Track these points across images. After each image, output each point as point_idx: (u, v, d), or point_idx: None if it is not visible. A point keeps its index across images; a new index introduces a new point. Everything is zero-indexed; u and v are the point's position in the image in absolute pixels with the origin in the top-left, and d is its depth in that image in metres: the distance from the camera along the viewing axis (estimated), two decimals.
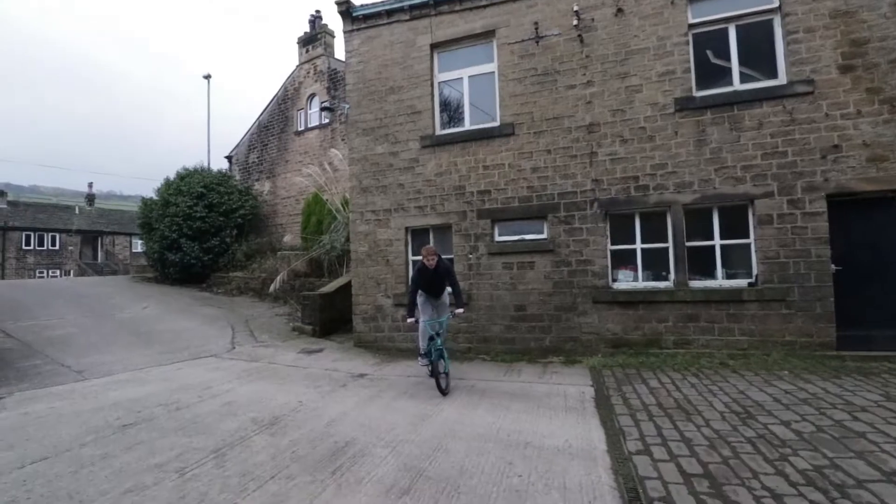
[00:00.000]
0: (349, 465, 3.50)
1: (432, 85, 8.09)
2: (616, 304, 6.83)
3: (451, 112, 8.29)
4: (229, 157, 20.01)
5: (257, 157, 18.99)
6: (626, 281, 6.94)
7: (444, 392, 5.27)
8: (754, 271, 6.36)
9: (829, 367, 5.48)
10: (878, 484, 2.92)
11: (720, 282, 6.51)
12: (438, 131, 8.05)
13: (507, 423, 4.31)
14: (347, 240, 9.33)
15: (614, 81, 7.02)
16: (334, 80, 16.54)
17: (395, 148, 8.17)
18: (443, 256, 7.15)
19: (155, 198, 16.54)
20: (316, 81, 17.30)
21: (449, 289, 5.83)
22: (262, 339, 8.91)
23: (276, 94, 18.65)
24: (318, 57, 17.34)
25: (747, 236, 6.44)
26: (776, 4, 6.45)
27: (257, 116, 19.20)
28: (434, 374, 5.43)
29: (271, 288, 11.92)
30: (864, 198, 6.03)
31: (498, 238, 7.57)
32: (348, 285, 8.75)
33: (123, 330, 9.36)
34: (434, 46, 8.07)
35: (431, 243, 8.02)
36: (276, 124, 18.48)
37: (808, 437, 3.64)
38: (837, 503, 2.75)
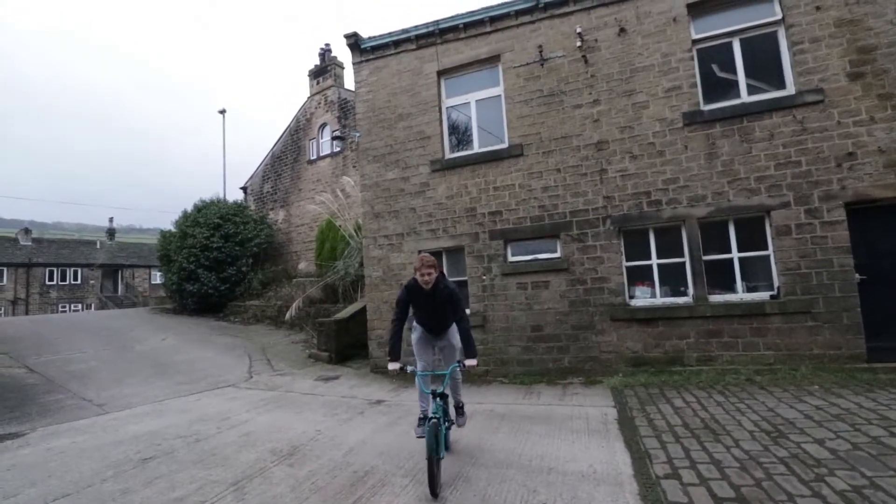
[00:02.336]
0: (369, 496, 3.44)
1: (440, 110, 8.24)
2: (635, 322, 6.70)
3: (460, 135, 8.41)
4: (244, 188, 20.48)
5: (271, 187, 19.40)
6: (644, 297, 6.83)
7: (434, 493, 3.27)
8: (776, 283, 6.22)
9: (860, 381, 5.27)
10: None
11: (741, 295, 6.37)
12: (448, 155, 8.16)
13: (529, 447, 4.21)
14: (361, 265, 9.40)
15: (621, 99, 7.07)
16: (345, 109, 16.96)
17: (406, 173, 8.29)
18: (447, 276, 6.53)
19: (173, 230, 16.93)
20: (327, 111, 17.75)
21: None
22: (279, 368, 8.92)
23: (289, 125, 19.16)
24: (328, 88, 17.84)
25: (766, 248, 6.32)
26: (779, 16, 6.49)
27: (271, 148, 19.71)
28: (428, 453, 3.29)
29: (287, 315, 11.99)
30: (885, 204, 5.90)
31: (511, 258, 7.55)
32: (363, 310, 8.76)
33: (143, 362, 9.47)
34: (441, 73, 8.25)
35: (445, 266, 8.04)
36: (289, 154, 18.92)
37: (845, 456, 3.48)
38: None
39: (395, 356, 3.82)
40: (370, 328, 8.26)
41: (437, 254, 8.08)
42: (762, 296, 6.26)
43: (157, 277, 34.08)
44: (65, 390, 7.41)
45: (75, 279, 34.91)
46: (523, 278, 7.36)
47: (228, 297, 15.73)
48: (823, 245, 5.99)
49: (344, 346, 9.21)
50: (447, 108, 8.33)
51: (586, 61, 7.27)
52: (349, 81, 18.09)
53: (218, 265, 15.52)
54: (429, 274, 3.80)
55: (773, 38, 6.58)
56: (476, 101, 8.12)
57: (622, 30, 7.13)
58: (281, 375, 8.32)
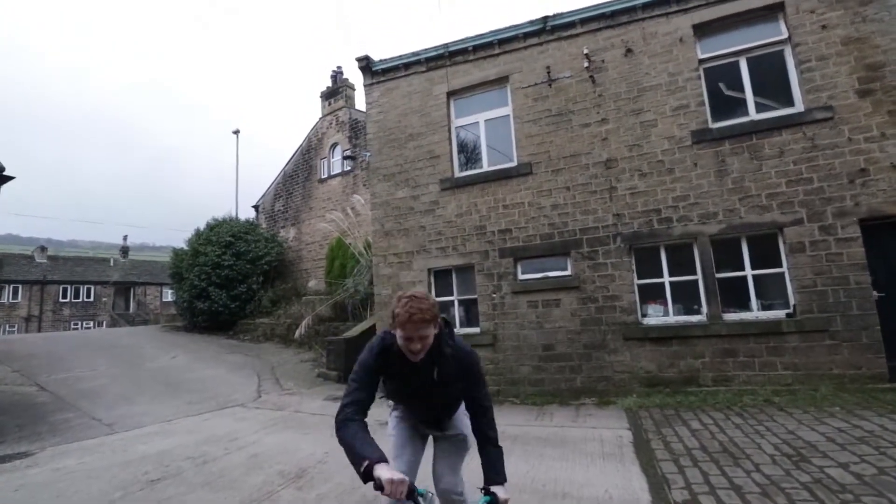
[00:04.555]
0: None
1: (450, 130, 8.34)
2: (648, 341, 6.60)
3: (469, 154, 8.49)
4: (256, 207, 20.75)
5: (283, 206, 19.65)
6: (657, 316, 6.74)
7: None
8: (791, 301, 6.11)
9: (883, 402, 5.11)
10: None
11: (756, 313, 6.26)
12: (457, 174, 8.23)
13: (542, 471, 4.12)
14: (371, 283, 9.42)
15: (629, 118, 7.11)
16: (355, 129, 17.25)
17: (416, 192, 8.35)
18: (458, 306, 6.54)
19: (185, 248, 17.13)
20: (338, 132, 18.06)
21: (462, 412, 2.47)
22: (288, 387, 8.88)
23: (301, 144, 19.49)
24: (339, 109, 18.18)
25: (780, 265, 6.23)
26: (786, 36, 6.53)
27: (282, 167, 20.03)
28: None
29: (296, 333, 11.99)
30: None
31: (521, 276, 7.52)
32: (372, 328, 8.74)
33: (152, 380, 9.49)
34: (450, 94, 8.39)
35: (455, 284, 8.03)
36: (300, 173, 19.21)
37: (871, 481, 3.35)
38: None
39: (356, 456, 1.82)
40: None
41: (447, 272, 8.09)
42: (778, 314, 6.15)
43: (168, 295, 34.42)
44: (75, 409, 7.42)
45: (88, 296, 35.36)
46: (534, 296, 7.31)
47: (238, 314, 15.79)
48: (839, 262, 5.90)
49: (353, 364, 9.15)
50: (456, 127, 8.43)
51: (594, 81, 7.35)
52: (360, 102, 18.42)
53: (229, 283, 15.64)
54: (421, 339, 2.02)
55: (779, 56, 6.62)
56: (485, 120, 8.22)
57: (629, 50, 7.22)
58: (290, 395, 8.27)
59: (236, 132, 23.29)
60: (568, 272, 7.19)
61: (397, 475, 1.67)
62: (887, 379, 5.55)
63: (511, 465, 4.33)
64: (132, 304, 37.76)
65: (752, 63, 6.74)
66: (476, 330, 7.65)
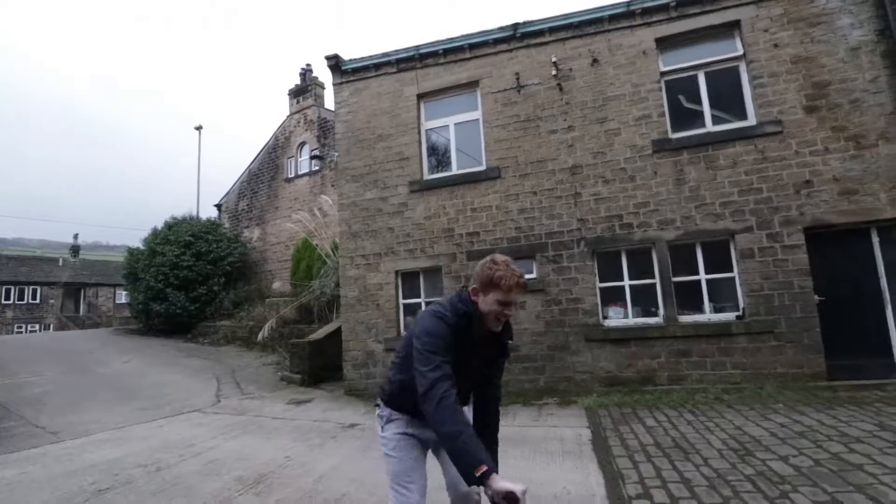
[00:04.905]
0: None
1: (419, 132, 8.36)
2: (608, 342, 6.81)
3: (439, 157, 8.53)
4: (219, 206, 20.12)
5: (247, 205, 19.13)
6: (617, 318, 6.96)
7: None
8: (741, 304, 6.44)
9: (821, 398, 5.46)
10: None
11: (709, 316, 6.56)
12: (426, 176, 8.25)
13: (505, 470, 4.13)
14: (337, 285, 9.29)
15: (594, 126, 7.33)
16: (324, 128, 17.00)
17: (385, 193, 8.32)
18: (425, 297, 6.34)
19: (141, 247, 16.43)
20: (306, 130, 17.76)
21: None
22: (249, 391, 8.64)
23: (267, 143, 19.05)
24: (308, 107, 17.89)
25: (731, 270, 6.57)
26: (741, 52, 6.89)
27: (248, 165, 19.51)
28: None
29: (259, 336, 11.69)
30: (840, 230, 6.23)
31: None
32: (338, 331, 8.63)
33: (103, 386, 9.03)
34: (421, 96, 8.40)
35: (422, 286, 8.04)
36: (266, 172, 18.76)
37: (807, 472, 3.57)
38: None
39: (483, 455, 1.57)
40: (345, 349, 8.13)
41: (414, 274, 8.08)
42: (728, 316, 6.47)
43: (122, 297, 32.76)
44: (17, 417, 6.98)
45: (34, 298, 33.25)
46: None
47: (198, 317, 15.24)
48: (784, 268, 6.26)
49: (318, 367, 9.01)
50: (426, 129, 8.45)
51: (561, 89, 7.53)
52: (329, 101, 18.18)
53: (188, 284, 15.08)
54: (515, 306, 1.95)
55: (735, 72, 6.98)
56: (455, 123, 8.28)
57: (595, 60, 7.44)
58: (251, 399, 8.05)
59: (199, 128, 22.54)
60: (533, 275, 7.32)
61: (519, 486, 1.47)
62: (825, 377, 5.93)
63: None
64: (82, 307, 35.76)
65: (709, 77, 7.08)
66: None
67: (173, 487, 4.18)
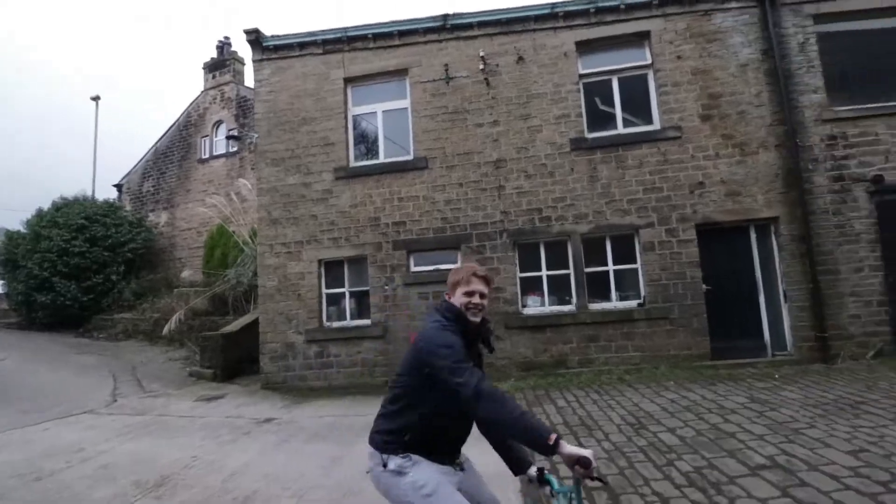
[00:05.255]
0: None
1: (346, 118, 8.12)
2: (526, 329, 7.14)
3: (367, 144, 8.36)
4: (119, 186, 18.13)
5: (153, 186, 17.44)
6: (535, 306, 7.32)
7: None
8: (642, 293, 7.07)
9: (706, 376, 6.17)
10: (746, 478, 3.31)
11: (615, 304, 7.13)
12: (353, 163, 8.05)
13: None
14: (255, 274, 8.80)
15: (518, 122, 7.58)
16: (243, 107, 15.91)
17: (308, 179, 7.99)
18: (349, 285, 6.43)
19: (23, 231, 14.39)
20: (223, 108, 16.51)
21: None
22: (152, 389, 7.96)
23: (178, 119, 17.44)
24: (226, 84, 16.61)
25: (635, 262, 7.17)
26: (649, 61, 7.47)
27: (155, 143, 17.77)
28: None
29: (165, 329, 10.76)
30: (725, 227, 7.04)
31: (414, 268, 7.63)
32: (255, 323, 8.20)
33: None
34: (348, 80, 8.15)
35: (346, 276, 7.88)
36: (176, 151, 17.20)
37: (690, 442, 4.04)
38: (714, 499, 3.06)
39: (548, 426, 1.68)
40: (263, 342, 7.75)
41: (339, 263, 7.89)
42: (631, 304, 7.07)
43: None
44: None
45: None
46: (425, 288, 7.47)
47: (93, 309, 13.68)
48: (679, 260, 6.96)
49: (232, 361, 8.51)
50: (353, 115, 8.23)
51: (488, 84, 7.68)
52: (249, 78, 17.03)
53: (80, 273, 13.45)
54: (482, 297, 1.96)
55: (644, 79, 7.56)
56: (383, 111, 8.15)
57: (521, 58, 7.67)
58: (154, 397, 7.43)
59: (96, 98, 20.08)
60: (458, 265, 7.44)
61: (588, 451, 1.57)
62: (709, 357, 6.71)
63: None
64: None
65: (622, 82, 7.60)
66: (367, 322, 7.60)
67: (57, 496, 3.77)
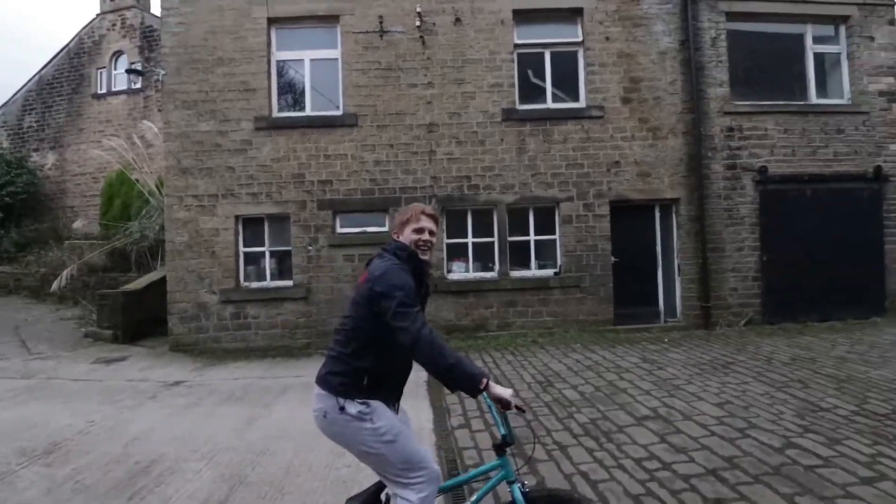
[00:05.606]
0: (153, 486, 3.10)
1: (269, 62, 7.50)
2: (450, 294, 7.35)
3: (293, 95, 7.85)
4: None
5: (37, 122, 15.06)
6: (459, 272, 7.53)
7: None
8: (559, 262, 7.54)
9: (608, 339, 6.82)
10: (632, 428, 3.77)
11: (534, 272, 7.55)
12: (276, 113, 7.52)
13: None
14: (163, 228, 8.07)
15: (452, 86, 7.48)
16: (149, 39, 14.04)
17: (224, 127, 7.36)
18: (270, 245, 6.34)
19: None
20: (124, 37, 14.46)
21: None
22: (39, 350, 7.19)
23: (68, 44, 15.01)
24: (127, 8, 14.48)
25: (554, 233, 7.58)
26: (580, 39, 7.66)
27: (38, 70, 15.23)
28: None
29: (55, 285, 9.62)
30: (635, 205, 7.63)
31: (339, 230, 7.45)
32: (162, 281, 7.60)
33: None
34: (272, 21, 7.47)
35: (267, 234, 7.51)
36: (65, 83, 14.88)
37: (589, 397, 4.49)
38: (604, 446, 3.46)
39: (479, 370, 1.76)
40: (171, 301, 7.23)
41: (258, 220, 7.48)
42: (548, 273, 7.53)
43: None
44: None
45: None
46: (351, 250, 7.35)
47: None
48: (593, 233, 7.47)
49: (135, 322, 7.87)
50: (278, 61, 7.63)
51: (424, 43, 7.45)
52: (156, 5, 14.99)
53: None
54: (431, 234, 2.00)
55: (574, 56, 7.76)
56: (311, 59, 7.64)
57: (458, 20, 7.50)
58: (42, 360, 6.73)
59: None
60: (385, 228, 7.39)
61: (508, 391, 1.75)
62: (612, 323, 7.39)
63: (311, 412, 4.42)
64: None
65: (554, 57, 7.75)
66: (289, 283, 7.37)
67: None
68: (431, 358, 1.70)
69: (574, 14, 7.69)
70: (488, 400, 1.86)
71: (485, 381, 1.69)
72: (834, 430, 3.52)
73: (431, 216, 2.01)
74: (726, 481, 2.87)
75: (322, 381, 1.90)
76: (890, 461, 3.00)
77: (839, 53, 8.06)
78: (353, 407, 1.80)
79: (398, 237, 2.00)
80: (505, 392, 1.73)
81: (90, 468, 3.38)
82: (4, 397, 5.05)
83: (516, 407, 1.74)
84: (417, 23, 7.37)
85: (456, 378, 1.71)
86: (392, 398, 1.96)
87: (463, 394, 4.69)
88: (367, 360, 1.83)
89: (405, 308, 1.72)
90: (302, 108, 7.67)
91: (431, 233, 1.99)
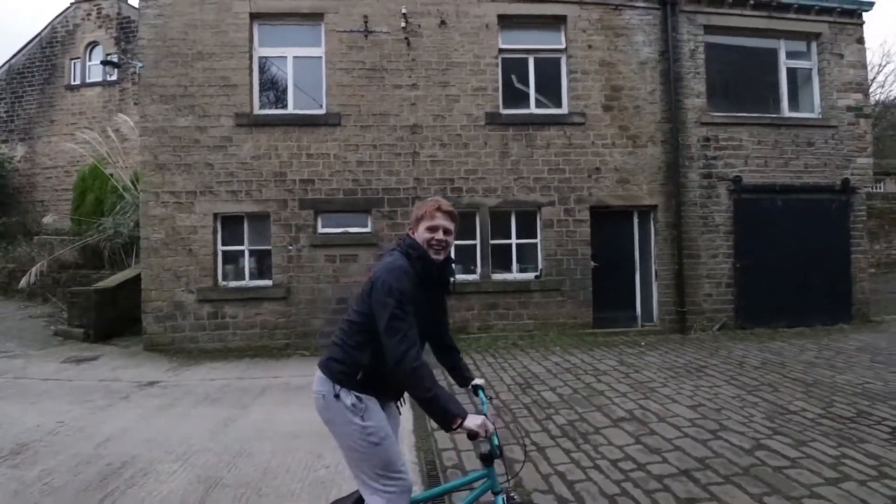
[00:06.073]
0: (125, 488, 3.02)
1: (251, 58, 7.39)
2: None
3: (275, 92, 7.76)
4: None
5: (6, 112, 14.53)
6: None
7: None
8: (539, 266, 7.62)
9: (586, 342, 6.93)
10: (608, 429, 3.84)
11: (515, 275, 7.62)
12: (257, 110, 7.42)
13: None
14: (137, 225, 7.87)
15: (436, 88, 7.50)
16: (126, 30, 13.70)
17: (203, 122, 7.22)
18: (249, 244, 6.29)
19: None
20: (100, 27, 14.07)
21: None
22: (7, 348, 6.92)
23: (40, 33, 14.54)
24: None
25: (535, 237, 7.67)
26: (563, 46, 7.78)
27: (8, 58, 14.70)
28: None
29: (23, 282, 9.29)
30: (615, 210, 7.77)
31: (321, 230, 7.38)
32: (137, 279, 7.40)
33: None
34: (254, 16, 7.37)
35: (246, 233, 7.40)
36: (36, 72, 14.40)
37: (567, 399, 4.55)
38: (581, 447, 3.52)
39: (430, 384, 1.71)
40: (146, 300, 7.04)
41: (238, 218, 7.37)
42: (529, 276, 7.61)
43: None
44: None
45: None
46: (332, 251, 7.29)
47: None
48: (574, 238, 7.58)
49: (108, 320, 7.64)
50: (260, 57, 7.53)
51: (409, 44, 7.46)
52: None
53: None
54: (447, 233, 1.89)
55: (557, 63, 7.87)
56: (294, 57, 7.56)
57: (443, 22, 7.53)
58: (10, 358, 6.48)
59: None
60: (368, 229, 7.37)
61: (479, 419, 1.69)
62: (591, 326, 7.50)
63: (289, 414, 4.38)
64: None
65: (538, 63, 7.85)
66: (268, 283, 7.26)
67: None
68: (409, 385, 1.72)
69: (558, 21, 7.80)
70: (481, 393, 2.01)
71: (459, 421, 1.66)
72: (801, 432, 3.65)
73: (448, 213, 1.89)
74: (698, 481, 2.95)
75: (323, 365, 1.91)
76: (854, 462, 3.13)
77: (811, 69, 8.38)
78: (347, 397, 1.81)
79: (413, 233, 1.91)
80: (476, 426, 1.67)
81: (59, 469, 3.27)
82: None
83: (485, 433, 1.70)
84: (403, 24, 7.37)
85: (431, 411, 1.72)
86: (388, 397, 1.96)
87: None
88: (365, 356, 1.83)
89: (397, 322, 1.70)
90: (284, 106, 7.58)
91: (447, 231, 1.87)
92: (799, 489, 2.83)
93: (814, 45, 8.35)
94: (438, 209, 1.88)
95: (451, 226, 1.89)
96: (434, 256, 1.87)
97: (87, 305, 7.56)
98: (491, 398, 2.25)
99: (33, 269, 9.36)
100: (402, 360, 1.67)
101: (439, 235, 1.85)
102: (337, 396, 1.81)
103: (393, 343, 1.69)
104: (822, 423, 3.81)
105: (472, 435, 1.68)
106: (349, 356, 1.85)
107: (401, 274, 1.77)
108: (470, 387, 2.19)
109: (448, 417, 1.67)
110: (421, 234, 1.87)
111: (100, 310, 7.57)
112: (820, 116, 8.25)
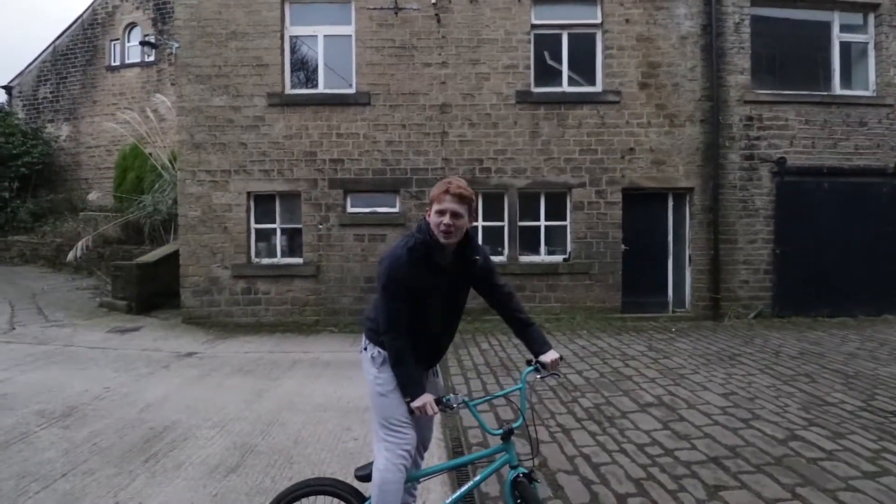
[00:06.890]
0: (167, 451, 3.21)
1: (283, 38, 7.43)
2: None
3: (305, 72, 7.78)
4: (8, 88, 15.55)
5: (51, 92, 15.14)
6: None
7: None
8: (568, 249, 7.50)
9: (614, 327, 6.83)
10: (635, 413, 3.80)
11: (542, 257, 7.53)
12: (289, 90, 7.48)
13: (349, 391, 4.39)
14: (175, 202, 8.15)
15: (466, 66, 7.37)
16: (162, 11, 13.95)
17: (237, 102, 7.35)
18: (281, 222, 6.32)
19: None
20: (137, 9, 14.37)
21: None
22: (56, 318, 7.37)
23: (82, 15, 14.97)
24: None
25: (565, 219, 7.53)
26: (599, 21, 7.47)
27: (52, 40, 15.24)
28: None
29: (70, 255, 9.81)
30: (648, 192, 7.53)
31: (350, 209, 7.46)
32: (175, 255, 7.70)
33: None
34: None
35: (278, 212, 7.55)
36: (79, 54, 14.89)
37: (594, 382, 4.53)
38: (607, 431, 3.51)
39: (413, 388, 1.87)
40: (183, 274, 7.34)
41: (270, 197, 7.52)
42: (557, 258, 7.51)
43: None
44: None
45: None
46: (361, 230, 7.38)
47: None
48: (604, 220, 7.41)
49: (149, 294, 8.02)
50: (291, 36, 7.55)
51: (439, 21, 7.32)
52: None
53: None
54: (455, 216, 1.81)
55: (592, 38, 7.58)
56: (325, 36, 7.55)
57: None
58: (59, 327, 6.90)
59: None
60: (396, 209, 7.41)
61: (423, 400, 1.84)
62: (620, 310, 7.38)
63: (318, 387, 4.53)
64: None
65: (571, 39, 7.58)
66: (299, 260, 7.43)
67: None
68: (388, 353, 1.92)
69: None
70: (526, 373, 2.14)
71: (408, 400, 1.87)
72: (839, 424, 3.52)
73: (457, 195, 1.80)
74: (728, 469, 2.90)
75: (363, 324, 2.17)
76: (894, 457, 3.01)
77: (867, 43, 7.79)
78: (370, 350, 2.02)
79: (428, 216, 1.89)
80: (416, 406, 1.84)
81: (106, 431, 3.50)
82: (23, 362, 5.20)
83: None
84: (433, 0, 7.24)
85: (399, 383, 1.92)
86: (426, 353, 2.05)
87: (469, 374, 4.74)
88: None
89: (383, 303, 1.88)
90: (315, 86, 7.61)
91: (455, 214, 1.78)
92: (834, 482, 2.74)
93: (871, 17, 7.74)
94: (447, 192, 1.82)
95: (460, 209, 1.81)
96: (443, 240, 1.84)
97: (130, 279, 7.94)
98: (557, 375, 2.21)
99: (79, 244, 9.86)
100: (384, 333, 1.90)
101: (446, 220, 1.80)
102: (365, 349, 2.06)
103: (381, 319, 1.91)
104: (861, 416, 3.66)
105: (421, 410, 1.84)
106: (377, 317, 1.98)
107: (394, 261, 1.86)
108: (531, 360, 2.16)
109: (404, 391, 1.90)
110: (432, 218, 1.85)
111: (141, 283, 7.94)
112: (874, 94, 7.70)
